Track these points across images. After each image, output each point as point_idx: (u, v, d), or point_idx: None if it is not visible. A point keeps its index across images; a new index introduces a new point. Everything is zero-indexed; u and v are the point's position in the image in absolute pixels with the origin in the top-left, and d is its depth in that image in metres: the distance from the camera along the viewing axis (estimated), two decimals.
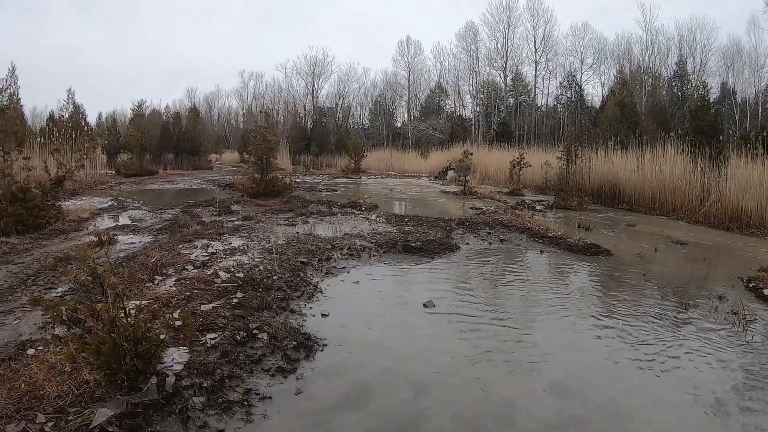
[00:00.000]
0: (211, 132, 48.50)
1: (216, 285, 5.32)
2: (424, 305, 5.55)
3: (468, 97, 51.02)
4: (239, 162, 47.20)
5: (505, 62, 47.77)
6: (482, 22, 48.24)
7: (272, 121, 15.76)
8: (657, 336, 4.96)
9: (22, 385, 3.17)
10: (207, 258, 6.62)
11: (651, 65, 42.53)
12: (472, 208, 14.34)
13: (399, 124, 54.44)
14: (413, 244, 8.34)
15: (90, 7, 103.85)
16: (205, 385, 3.41)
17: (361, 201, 13.80)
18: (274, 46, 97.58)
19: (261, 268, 6.19)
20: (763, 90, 38.08)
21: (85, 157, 11.62)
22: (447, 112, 51.40)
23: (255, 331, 4.26)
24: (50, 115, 29.03)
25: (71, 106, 28.84)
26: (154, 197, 16.32)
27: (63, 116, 28.12)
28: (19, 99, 10.35)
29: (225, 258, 6.70)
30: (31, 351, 3.79)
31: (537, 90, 48.30)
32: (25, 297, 5.16)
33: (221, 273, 5.65)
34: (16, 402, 2.99)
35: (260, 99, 64.21)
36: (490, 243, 9.29)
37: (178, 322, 3.85)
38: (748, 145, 13.90)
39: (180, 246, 7.37)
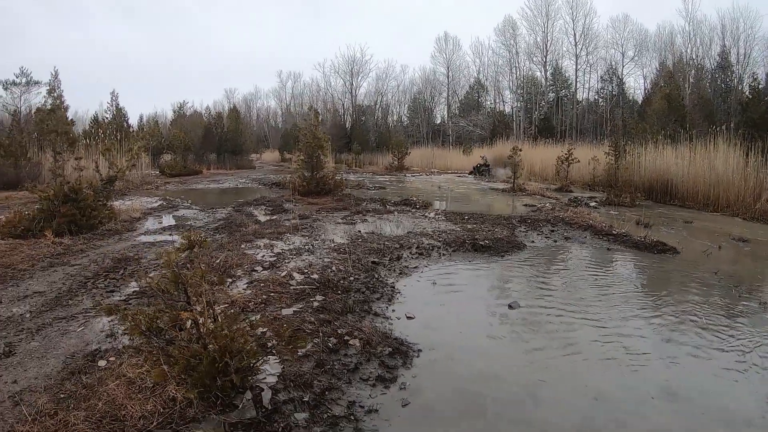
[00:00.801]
0: (251, 132, 48.56)
1: (292, 287, 4.91)
2: (509, 306, 5.18)
3: (507, 92, 50.31)
4: (280, 161, 47.39)
5: (545, 56, 46.95)
6: (521, 16, 47.57)
7: (321, 119, 15.38)
8: (749, 337, 4.57)
9: (100, 404, 2.76)
10: (274, 258, 6.23)
11: (694, 56, 41.21)
12: (525, 206, 13.94)
13: (438, 121, 53.99)
14: (481, 243, 7.91)
15: (128, 11, 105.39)
16: (306, 399, 3.01)
17: (414, 199, 13.45)
18: (311, 45, 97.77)
19: (333, 268, 5.77)
20: None
21: (136, 157, 11.34)
22: (487, 108, 50.73)
23: (346, 338, 3.86)
24: (94, 117, 29.28)
25: (114, 108, 29.06)
26: (202, 196, 16.08)
27: (106, 118, 28.35)
28: (65, 101, 10.18)
29: (293, 258, 6.30)
30: (102, 363, 3.40)
31: (578, 84, 47.27)
32: (88, 301, 4.81)
33: (295, 274, 5.23)
34: (96, 426, 2.57)
35: (298, 98, 64.41)
36: (555, 241, 8.86)
37: (262, 329, 3.43)
38: None
39: (243, 246, 6.99)
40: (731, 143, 15.27)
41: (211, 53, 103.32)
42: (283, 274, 5.29)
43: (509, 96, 50.43)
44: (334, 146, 39.65)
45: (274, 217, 10.35)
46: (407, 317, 4.74)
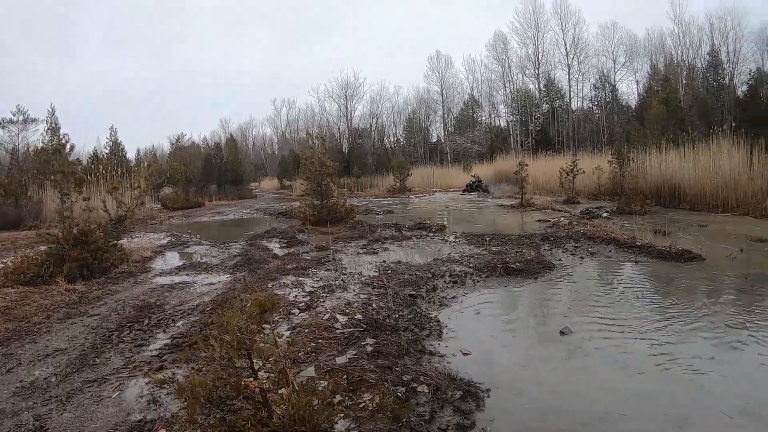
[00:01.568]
0: (249, 161, 48.39)
1: (338, 331, 4.54)
2: (561, 332, 4.96)
3: (502, 106, 50.41)
4: (279, 189, 47.11)
5: (537, 68, 47.07)
6: (511, 30, 47.60)
7: (327, 146, 15.12)
8: None
9: None
10: (308, 298, 5.84)
11: (685, 58, 41.40)
12: (539, 221, 13.65)
13: (434, 140, 54.00)
14: (513, 266, 7.63)
15: (118, 46, 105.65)
16: None
17: (428, 222, 13.16)
18: (304, 71, 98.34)
19: (374, 306, 5.41)
20: None
21: (144, 194, 10.99)
22: (483, 123, 50.78)
23: (413, 384, 3.53)
24: (93, 152, 28.93)
25: (112, 144, 28.83)
26: (209, 230, 15.73)
27: (104, 154, 28.10)
28: (69, 140, 9.82)
29: (327, 297, 5.92)
30: None
31: (571, 93, 47.39)
32: (117, 358, 4.41)
33: (339, 316, 4.86)
34: None
35: (294, 124, 64.48)
36: (582, 257, 8.63)
37: (322, 382, 3.06)
38: None
39: (269, 285, 6.60)
40: (734, 143, 15.37)
41: (204, 83, 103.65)
42: (326, 316, 4.92)
43: (504, 110, 50.51)
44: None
45: (291, 249, 9.99)
46: (463, 353, 4.47)
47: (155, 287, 7.19)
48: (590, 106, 48.29)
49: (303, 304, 5.59)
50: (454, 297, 6.31)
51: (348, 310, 5.13)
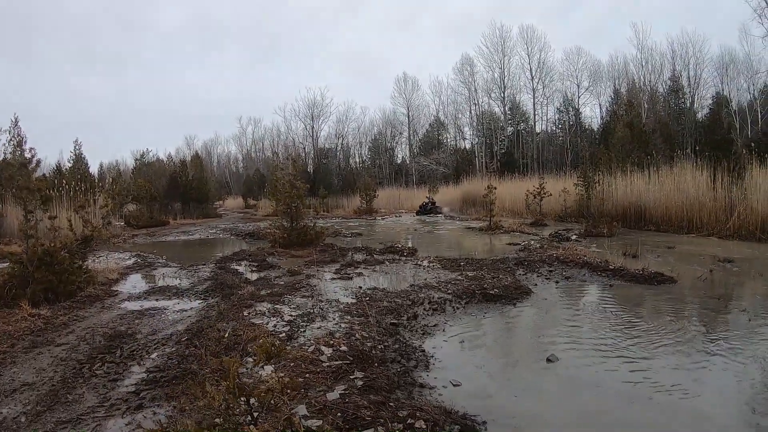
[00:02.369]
0: (214, 179, 47.89)
1: (325, 364, 4.37)
2: (548, 360, 4.93)
3: (467, 128, 51.06)
4: (244, 208, 46.62)
5: (503, 92, 47.89)
6: (477, 53, 48.45)
7: (300, 168, 14.99)
8: None
9: None
10: (288, 328, 5.65)
11: (647, 83, 42.66)
12: (510, 244, 13.87)
13: (399, 161, 54.26)
14: (491, 292, 7.58)
15: (84, 58, 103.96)
16: None
17: (399, 246, 13.16)
18: (270, 89, 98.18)
19: (358, 335, 5.26)
20: (759, 95, 38.41)
21: (111, 214, 10.66)
22: (448, 145, 51.24)
23: (410, 420, 3.39)
24: (57, 166, 28.13)
25: (75, 157, 28.15)
26: (176, 251, 15.39)
27: (67, 168, 27.43)
28: (36, 154, 9.30)
29: (307, 326, 5.74)
30: None
31: (536, 117, 48.36)
32: (90, 395, 4.15)
33: (323, 348, 4.70)
34: None
35: (259, 143, 64.12)
36: (557, 282, 8.68)
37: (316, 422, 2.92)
38: (758, 154, 14.54)
39: (245, 313, 6.38)
40: (697, 166, 16.05)
41: (170, 100, 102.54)
42: (311, 348, 4.75)
43: (469, 132, 51.17)
44: None
45: (263, 273, 9.77)
46: (453, 384, 4.36)
47: (124, 313, 6.91)
48: (554, 129, 49.33)
49: (284, 334, 5.40)
50: (435, 325, 6.19)
51: (332, 341, 4.97)
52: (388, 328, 5.74)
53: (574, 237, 14.80)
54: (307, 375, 4.10)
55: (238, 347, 4.84)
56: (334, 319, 6.10)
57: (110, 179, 28.04)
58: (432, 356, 5.07)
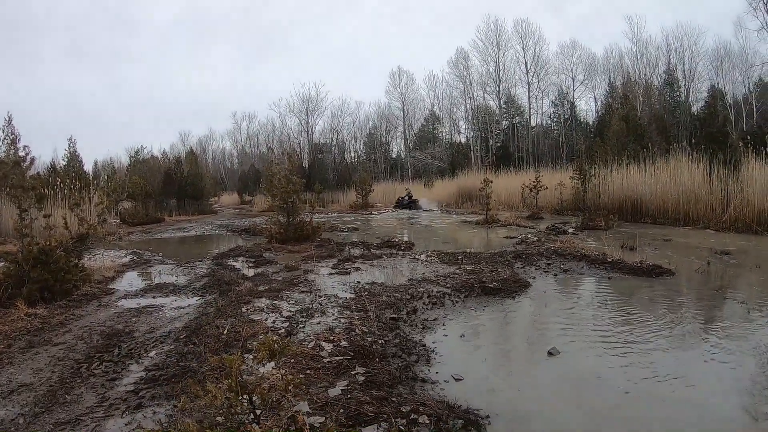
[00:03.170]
0: (209, 175, 47.77)
1: (325, 359, 4.35)
2: (549, 353, 4.90)
3: (462, 123, 50.95)
4: (240, 204, 46.53)
5: (498, 85, 47.82)
6: (472, 47, 48.30)
7: (296, 163, 14.92)
8: None
9: None
10: (287, 324, 5.63)
11: (642, 76, 42.70)
12: (507, 238, 13.87)
13: (395, 155, 54.17)
14: (490, 285, 7.53)
15: (77, 54, 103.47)
16: None
17: (396, 240, 13.13)
18: (265, 84, 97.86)
19: (358, 331, 5.23)
20: (754, 88, 38.53)
21: (106, 212, 10.60)
22: (443, 139, 51.18)
23: (413, 416, 3.38)
24: (51, 164, 27.93)
25: (70, 155, 27.97)
26: (172, 248, 15.33)
27: (61, 166, 27.26)
28: (30, 152, 9.12)
29: (306, 321, 5.72)
30: None
31: (531, 110, 48.32)
32: (89, 395, 4.10)
33: (324, 344, 4.67)
34: None
35: (254, 139, 63.92)
36: (555, 275, 8.65)
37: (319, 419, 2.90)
38: (753, 146, 14.61)
39: (243, 309, 6.35)
40: (693, 158, 16.09)
41: (163, 96, 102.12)
42: (311, 344, 4.72)
43: (464, 126, 51.05)
44: None
45: (260, 269, 9.75)
46: (455, 379, 4.33)
47: (122, 311, 6.86)
48: (549, 122, 49.27)
49: (283, 330, 5.37)
50: (435, 319, 6.16)
51: (332, 337, 4.95)
52: (387, 323, 5.72)
53: (571, 230, 14.79)
54: (308, 371, 4.07)
55: (238, 344, 4.79)
56: (333, 314, 6.08)
57: (105, 177, 27.92)
58: (433, 350, 5.04)
